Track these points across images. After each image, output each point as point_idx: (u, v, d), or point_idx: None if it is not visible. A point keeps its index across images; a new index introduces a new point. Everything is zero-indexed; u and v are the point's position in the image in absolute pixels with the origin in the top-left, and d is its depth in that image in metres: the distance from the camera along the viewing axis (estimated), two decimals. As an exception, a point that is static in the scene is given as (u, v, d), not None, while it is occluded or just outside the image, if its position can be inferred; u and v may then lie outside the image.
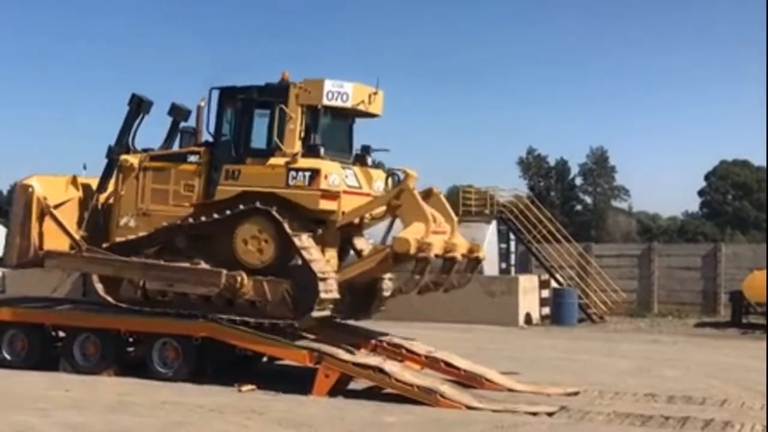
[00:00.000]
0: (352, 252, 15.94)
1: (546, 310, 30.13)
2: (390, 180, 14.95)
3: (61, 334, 16.25)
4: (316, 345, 14.19)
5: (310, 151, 14.45)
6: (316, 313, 14.08)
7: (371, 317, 16.12)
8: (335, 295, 14.18)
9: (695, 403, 13.41)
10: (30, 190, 16.28)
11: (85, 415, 11.62)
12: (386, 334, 16.04)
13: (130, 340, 15.83)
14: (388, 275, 15.47)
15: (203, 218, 14.88)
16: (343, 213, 14.61)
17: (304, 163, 14.33)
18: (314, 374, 13.81)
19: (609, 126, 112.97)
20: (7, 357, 16.13)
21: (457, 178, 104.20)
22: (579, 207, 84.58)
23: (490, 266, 29.77)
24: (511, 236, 31.99)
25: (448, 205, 15.07)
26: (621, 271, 33.51)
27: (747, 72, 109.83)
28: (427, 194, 14.91)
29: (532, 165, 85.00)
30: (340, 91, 14.53)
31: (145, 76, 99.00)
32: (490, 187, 33.26)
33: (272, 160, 14.56)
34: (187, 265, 15.06)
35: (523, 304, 28.76)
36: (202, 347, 14.76)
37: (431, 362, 15.25)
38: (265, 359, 16.16)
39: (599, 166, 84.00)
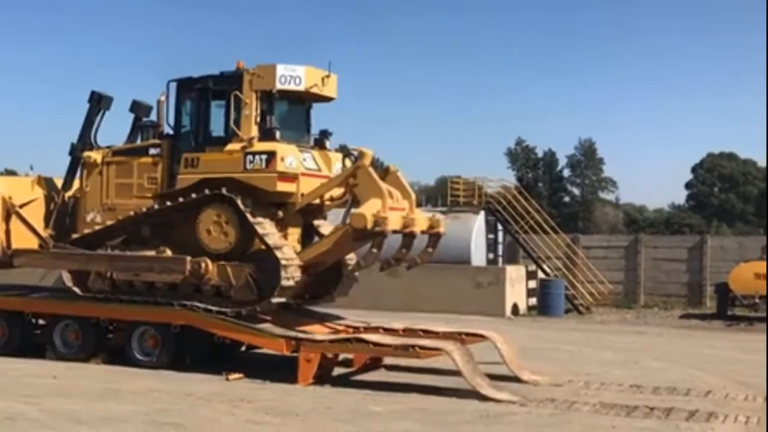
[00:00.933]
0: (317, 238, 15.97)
1: (533, 301, 30.20)
2: (347, 160, 14.97)
3: (42, 321, 16.34)
4: (292, 333, 14.26)
5: (266, 135, 14.68)
6: (275, 300, 14.22)
7: (345, 297, 16.24)
8: (296, 281, 14.33)
9: (680, 394, 13.47)
10: None
11: (73, 403, 11.66)
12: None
13: (110, 327, 15.90)
14: (351, 255, 15.56)
15: (165, 207, 15.08)
16: (302, 195, 14.77)
17: (260, 146, 14.57)
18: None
19: (597, 118, 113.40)
20: None
21: (445, 169, 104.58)
22: (567, 198, 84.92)
23: (478, 257, 29.88)
24: (499, 227, 31.98)
25: (406, 182, 15.12)
26: (608, 262, 33.61)
27: (737, 64, 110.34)
28: (385, 172, 15.03)
29: (521, 156, 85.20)
30: (293, 74, 14.76)
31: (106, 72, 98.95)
32: (478, 178, 33.34)
33: (229, 146, 14.80)
34: (151, 254, 15.23)
35: (510, 294, 28.81)
36: (180, 335, 14.81)
37: (409, 333, 15.17)
38: (243, 348, 16.20)
39: (587, 157, 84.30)
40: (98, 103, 16.66)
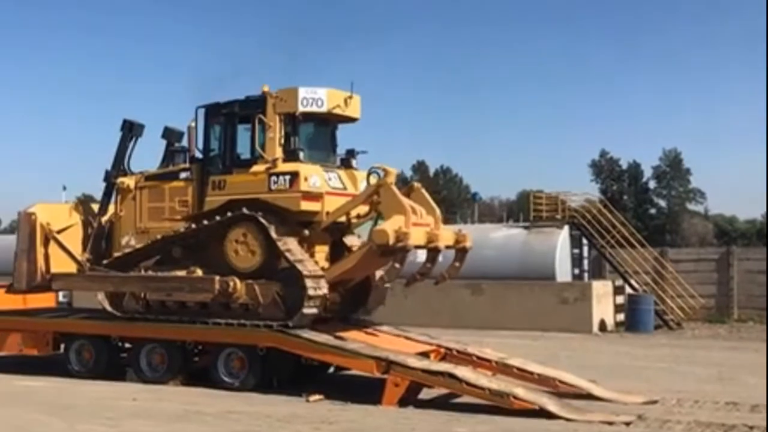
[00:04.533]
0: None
1: (621, 317, 29.53)
2: (371, 178, 15.08)
3: (127, 344, 16.44)
4: (384, 354, 14.01)
5: (289, 156, 15.04)
6: (307, 311, 14.45)
7: (370, 314, 16.67)
8: (324, 291, 14.59)
9: (780, 412, 12.84)
10: (33, 218, 17.45)
11: (152, 424, 11.63)
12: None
13: (196, 350, 15.90)
14: (380, 271, 15.54)
15: (194, 227, 15.53)
16: (327, 213, 15.04)
17: (284, 167, 14.97)
18: (384, 383, 13.57)
19: (682, 127, 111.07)
20: (75, 367, 16.61)
21: (527, 183, 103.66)
22: (653, 210, 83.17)
23: (563, 272, 29.36)
24: (584, 241, 31.43)
25: (430, 199, 15.44)
26: (698, 276, 32.70)
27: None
28: (409, 190, 15.47)
29: (605, 168, 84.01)
30: (315, 97, 15.16)
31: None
32: (560, 192, 32.82)
33: (255, 168, 15.23)
34: (182, 274, 15.64)
35: (597, 310, 28.20)
36: (267, 357, 14.73)
37: (503, 368, 15.01)
38: (331, 369, 16.03)
39: (673, 168, 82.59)
40: (130, 130, 17.29)
